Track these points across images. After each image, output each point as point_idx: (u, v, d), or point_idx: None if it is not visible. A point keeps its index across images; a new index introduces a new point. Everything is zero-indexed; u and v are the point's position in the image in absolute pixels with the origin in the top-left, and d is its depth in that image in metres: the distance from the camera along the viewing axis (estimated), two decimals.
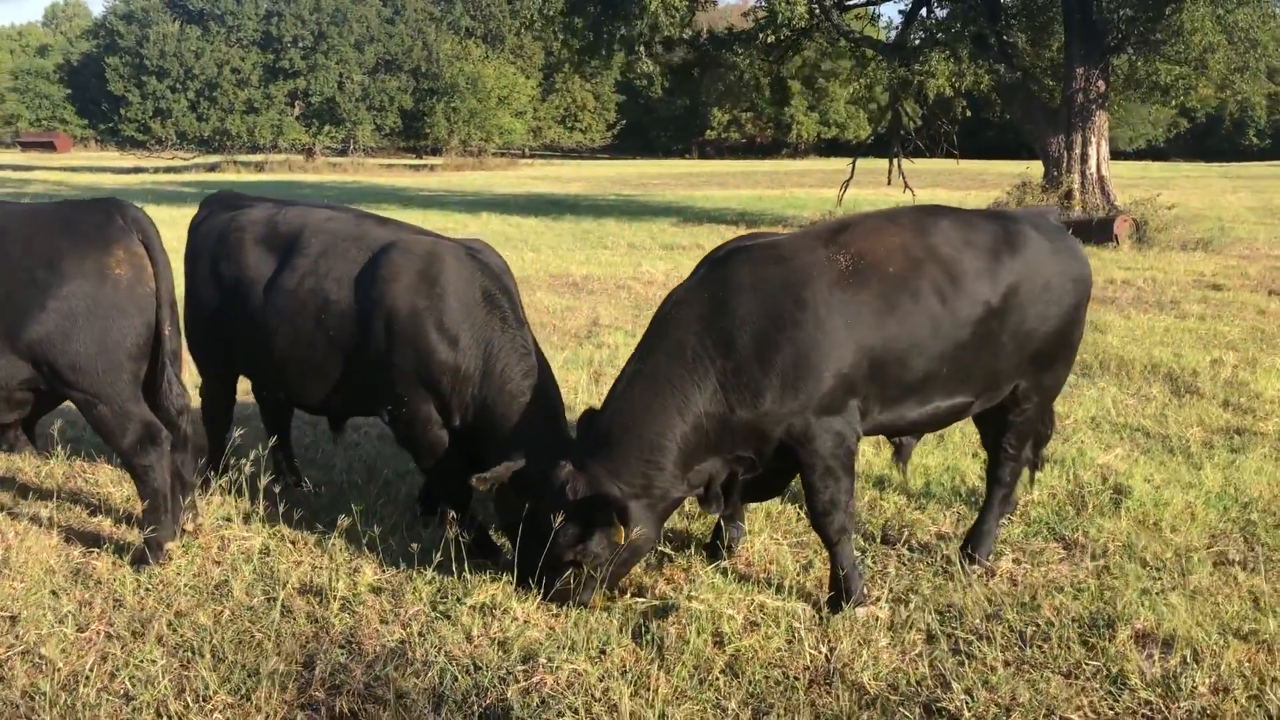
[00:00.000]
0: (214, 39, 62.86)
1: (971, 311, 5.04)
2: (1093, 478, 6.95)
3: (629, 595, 5.27)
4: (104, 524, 6.19)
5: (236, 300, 6.03)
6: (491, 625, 4.92)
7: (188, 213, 27.97)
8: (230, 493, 6.31)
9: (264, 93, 64.50)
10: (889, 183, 27.23)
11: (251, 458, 5.99)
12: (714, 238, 20.56)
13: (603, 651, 4.68)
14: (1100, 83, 22.41)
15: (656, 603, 5.14)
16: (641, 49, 23.41)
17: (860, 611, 5.04)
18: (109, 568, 5.51)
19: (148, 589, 5.30)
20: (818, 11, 23.99)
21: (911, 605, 5.17)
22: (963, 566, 5.55)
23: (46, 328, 5.26)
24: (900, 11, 27.93)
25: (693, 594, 5.10)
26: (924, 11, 25.33)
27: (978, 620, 5.02)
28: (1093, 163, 22.54)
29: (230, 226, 6.16)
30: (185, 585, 5.32)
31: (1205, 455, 7.51)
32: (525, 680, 4.43)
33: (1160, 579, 5.47)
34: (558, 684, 4.41)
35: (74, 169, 60.68)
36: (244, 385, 6.87)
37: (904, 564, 5.75)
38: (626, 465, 4.95)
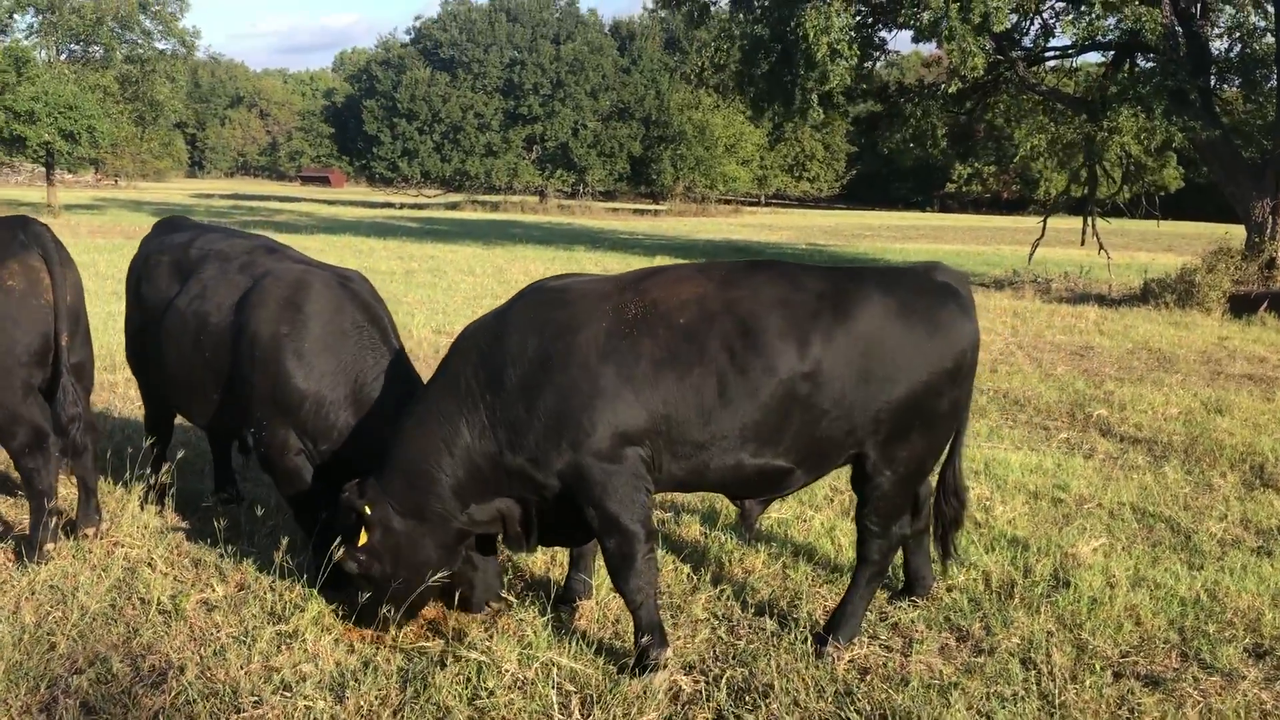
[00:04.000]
0: (460, 85, 66.66)
1: (769, 373, 4.64)
2: (1045, 566, 6.24)
3: (435, 639, 5.14)
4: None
5: (149, 319, 6.34)
6: (282, 653, 4.90)
7: (395, 245, 29.37)
8: (150, 502, 6.60)
9: (503, 137, 67.78)
10: (1082, 243, 25.67)
11: (165, 470, 6.25)
12: None
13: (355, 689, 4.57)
14: None
15: (443, 649, 4.98)
16: (814, 98, 22.98)
17: (657, 679, 4.70)
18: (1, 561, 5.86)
19: (12, 585, 5.59)
20: (1004, 62, 22.97)
21: (723, 682, 4.78)
22: (815, 649, 5.09)
23: None
24: (1099, 64, 26.23)
25: (476, 643, 4.91)
26: (1126, 63, 23.78)
27: (776, 706, 4.59)
28: None
29: (154, 249, 6.50)
30: (42, 584, 5.57)
31: (1216, 555, 6.61)
32: (251, 710, 4.38)
33: (1036, 685, 4.83)
34: (280, 717, 4.34)
35: (329, 202, 65.65)
36: None
37: (757, 637, 5.31)
38: (394, 486, 4.97)
